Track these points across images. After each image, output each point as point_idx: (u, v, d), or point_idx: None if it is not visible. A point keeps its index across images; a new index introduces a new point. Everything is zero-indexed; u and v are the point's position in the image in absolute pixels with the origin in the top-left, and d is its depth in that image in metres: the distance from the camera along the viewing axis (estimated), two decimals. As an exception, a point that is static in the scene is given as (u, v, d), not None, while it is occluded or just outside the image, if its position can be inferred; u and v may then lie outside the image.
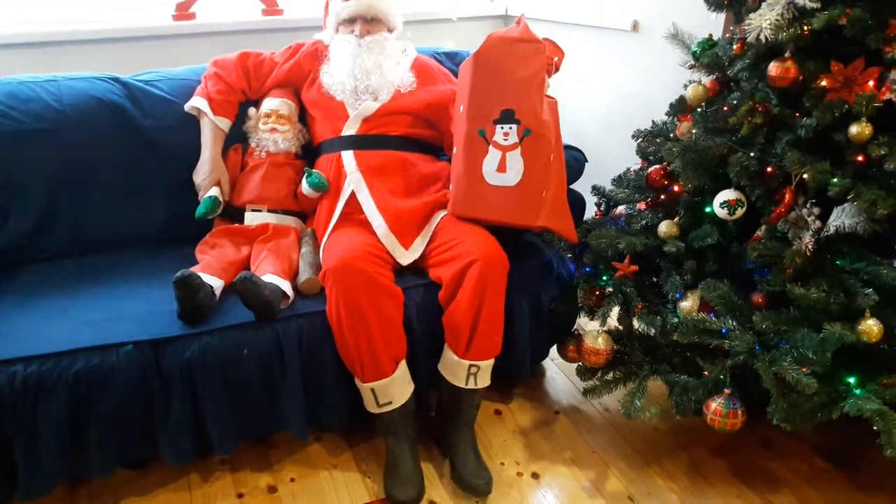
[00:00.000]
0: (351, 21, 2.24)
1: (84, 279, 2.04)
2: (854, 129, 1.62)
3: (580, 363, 2.13)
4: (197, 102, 2.23)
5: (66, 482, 1.90)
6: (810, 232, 1.71)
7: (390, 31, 2.28)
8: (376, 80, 2.19)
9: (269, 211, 2.19)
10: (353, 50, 2.20)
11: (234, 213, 2.21)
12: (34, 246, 2.15)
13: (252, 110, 2.28)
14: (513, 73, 1.96)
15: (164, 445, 1.84)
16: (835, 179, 1.65)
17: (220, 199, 2.16)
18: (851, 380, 1.69)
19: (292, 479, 2.00)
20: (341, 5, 2.22)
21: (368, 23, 2.23)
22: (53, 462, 1.74)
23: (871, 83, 1.62)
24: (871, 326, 1.64)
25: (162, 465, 1.99)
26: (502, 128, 1.96)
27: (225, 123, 2.25)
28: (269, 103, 2.26)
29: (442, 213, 2.09)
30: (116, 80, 2.26)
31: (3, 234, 2.12)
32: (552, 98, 2.04)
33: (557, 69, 2.10)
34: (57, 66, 2.35)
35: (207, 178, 2.17)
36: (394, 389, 1.92)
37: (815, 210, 1.71)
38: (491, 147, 1.97)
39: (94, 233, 2.20)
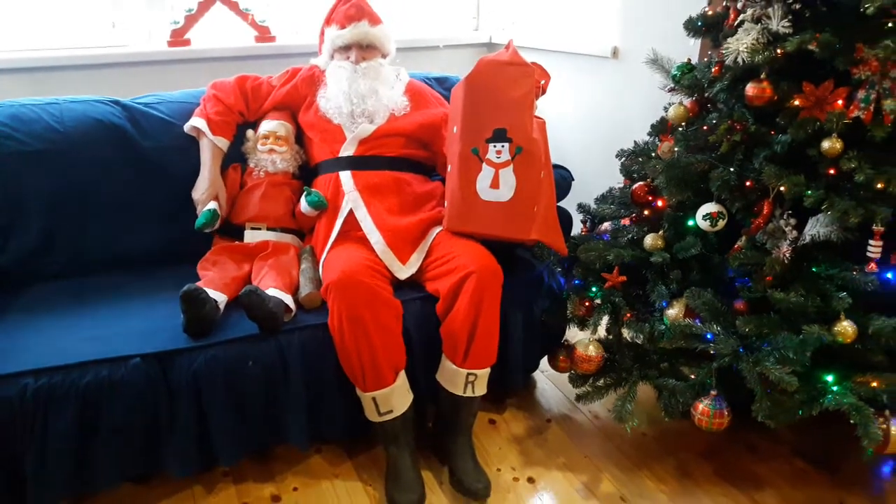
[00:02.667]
0: (346, 48, 2.33)
1: (87, 297, 2.08)
2: (826, 145, 1.75)
3: (572, 371, 2.21)
4: (196, 122, 2.30)
5: (72, 496, 1.91)
6: (788, 241, 1.82)
7: (384, 56, 2.38)
8: (372, 103, 2.28)
9: (268, 229, 2.26)
10: (348, 76, 2.29)
11: (233, 230, 2.27)
12: (36, 265, 2.19)
13: (250, 132, 2.35)
14: (504, 95, 2.05)
15: (170, 456, 1.87)
16: (809, 192, 1.77)
17: (219, 212, 2.22)
18: (829, 378, 1.79)
19: (295, 489, 2.04)
20: (336, 33, 2.32)
21: (363, 49, 2.32)
22: (62, 474, 1.76)
23: (840, 102, 1.75)
24: (846, 328, 1.75)
25: (165, 480, 2.02)
26: (495, 146, 2.05)
27: (223, 143, 2.31)
28: (267, 125, 2.33)
29: (437, 230, 2.17)
30: (117, 102, 2.33)
31: (6, 253, 2.16)
32: (541, 119, 2.14)
33: (544, 92, 2.21)
34: (55, 91, 2.40)
35: (205, 193, 2.23)
36: (394, 398, 1.98)
37: (792, 220, 1.83)
38: (484, 165, 2.06)
39: (96, 251, 2.24)
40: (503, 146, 2.04)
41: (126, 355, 1.80)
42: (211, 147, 2.29)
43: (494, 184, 2.05)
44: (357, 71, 2.30)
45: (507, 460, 2.17)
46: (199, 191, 2.25)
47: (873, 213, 1.71)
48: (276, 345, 1.93)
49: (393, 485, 1.98)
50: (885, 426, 1.75)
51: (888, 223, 1.73)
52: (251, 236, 2.24)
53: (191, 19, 2.79)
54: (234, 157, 2.36)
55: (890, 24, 1.73)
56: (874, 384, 1.78)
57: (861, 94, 1.72)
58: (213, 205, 2.21)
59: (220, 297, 1.98)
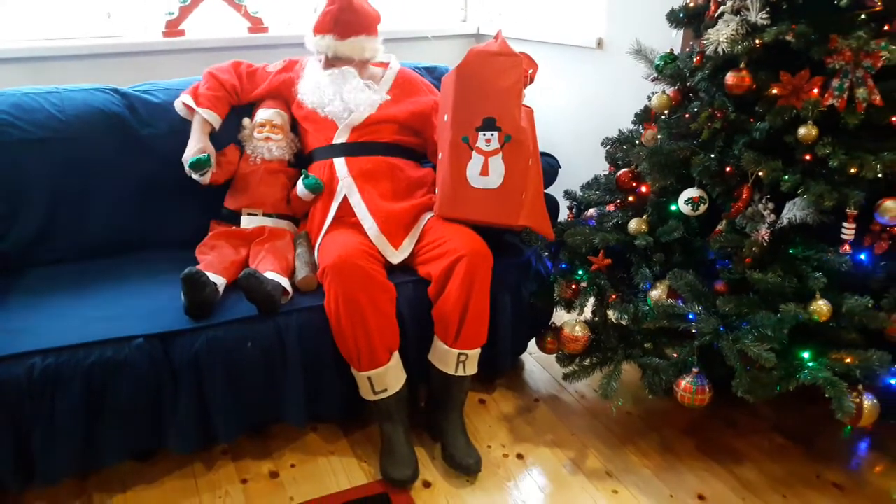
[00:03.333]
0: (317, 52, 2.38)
1: (89, 280, 2.14)
2: (802, 131, 1.83)
3: (560, 351, 2.29)
4: (183, 98, 2.36)
5: (78, 472, 1.97)
6: (766, 224, 1.91)
7: (362, 61, 2.39)
8: (337, 104, 2.33)
9: (264, 215, 2.32)
10: (317, 78, 2.36)
11: (230, 216, 2.33)
12: (38, 250, 2.25)
13: (246, 120, 2.40)
14: (493, 84, 2.11)
15: (172, 433, 1.94)
16: (786, 176, 1.85)
17: (212, 160, 2.24)
18: (806, 354, 1.87)
19: (292, 465, 2.11)
20: (312, 38, 2.35)
21: (329, 59, 2.35)
22: (68, 451, 1.83)
23: (815, 91, 1.82)
24: (821, 306, 1.83)
25: (166, 457, 2.09)
26: (484, 135, 2.11)
27: (210, 115, 2.35)
28: (263, 113, 2.39)
29: (429, 215, 2.24)
30: (116, 90, 2.38)
31: (8, 238, 2.21)
32: (529, 107, 2.21)
33: (532, 80, 2.27)
34: (53, 81, 2.44)
35: (194, 150, 2.26)
36: (389, 377, 2.05)
37: (770, 204, 1.91)
38: (474, 152, 2.12)
39: (96, 236, 2.31)
40: (492, 135, 2.11)
41: (129, 336, 1.87)
42: (199, 119, 2.33)
43: (484, 171, 2.12)
44: (324, 76, 2.35)
45: (497, 438, 2.24)
46: (189, 152, 2.27)
47: (847, 197, 1.79)
48: (274, 326, 2.00)
49: (387, 460, 2.05)
50: (858, 400, 1.84)
51: (861, 206, 1.81)
52: (248, 222, 2.30)
53: (185, 10, 2.84)
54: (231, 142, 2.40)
55: (863, 16, 1.81)
56: (848, 360, 1.85)
57: (835, 82, 1.80)
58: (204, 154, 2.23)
59: (220, 281, 2.04)
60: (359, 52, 2.35)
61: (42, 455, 1.81)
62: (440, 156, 2.21)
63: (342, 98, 2.33)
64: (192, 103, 2.34)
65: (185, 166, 2.24)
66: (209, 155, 2.23)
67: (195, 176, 2.22)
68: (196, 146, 2.27)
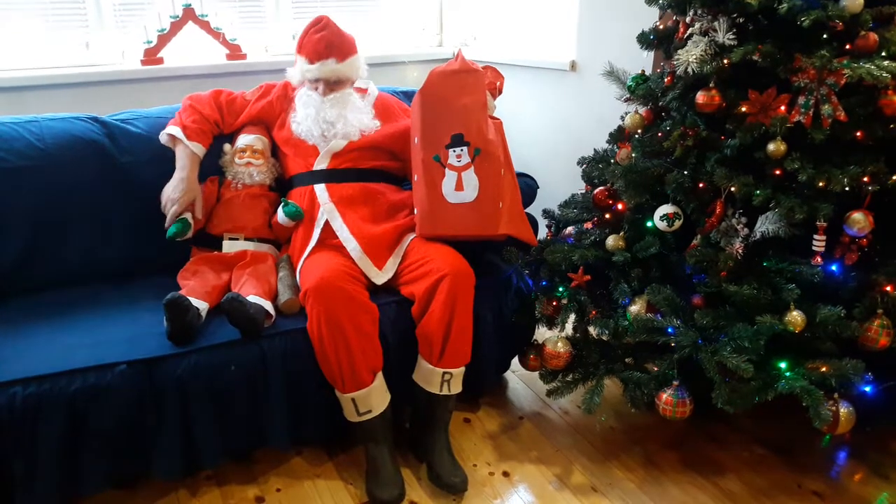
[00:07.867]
0: (315, 80, 2.40)
1: (70, 308, 2.13)
2: (771, 147, 1.89)
3: (543, 368, 2.31)
4: (171, 130, 2.35)
5: (60, 501, 1.94)
6: (740, 238, 1.96)
7: (355, 81, 2.46)
8: (341, 127, 2.36)
9: (245, 239, 2.33)
10: (316, 105, 2.37)
11: (211, 241, 2.34)
12: (17, 278, 2.23)
13: (227, 146, 2.42)
14: (456, 102, 2.16)
15: (155, 460, 1.92)
16: (758, 191, 1.90)
17: (191, 221, 2.28)
18: (782, 365, 1.91)
19: (278, 490, 2.10)
20: (306, 67, 2.38)
21: (331, 83, 2.39)
22: (50, 480, 1.81)
23: (782, 108, 1.89)
24: (795, 317, 1.87)
25: (149, 484, 2.07)
26: (454, 151, 2.15)
27: (199, 149, 2.36)
28: (244, 139, 2.41)
29: (412, 236, 2.26)
30: (95, 119, 2.39)
31: (-13, 268, 2.19)
32: (498, 119, 2.25)
33: (501, 91, 2.33)
34: (32, 110, 2.45)
35: (183, 196, 2.25)
36: (373, 398, 2.05)
37: (743, 219, 1.97)
38: (447, 169, 2.16)
39: (76, 264, 2.29)
40: (462, 150, 2.15)
41: (112, 362, 1.86)
42: (187, 153, 2.33)
43: (459, 186, 2.15)
44: (325, 102, 2.37)
45: (482, 456, 2.26)
46: (178, 191, 2.25)
47: (816, 210, 1.85)
48: (258, 350, 2.00)
49: (373, 482, 2.05)
50: (834, 408, 1.88)
51: (830, 219, 1.87)
52: (229, 246, 2.31)
53: (163, 38, 2.86)
54: (212, 170, 2.42)
55: (825, 36, 1.87)
56: (823, 369, 1.89)
57: (801, 100, 1.86)
58: (186, 215, 2.26)
59: (202, 305, 2.04)
60: (357, 72, 2.44)
61: (23, 485, 1.78)
62: (415, 177, 2.24)
63: (346, 119, 2.36)
64: (181, 136, 2.33)
65: (165, 213, 2.26)
66: (186, 219, 2.25)
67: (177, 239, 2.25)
68: (185, 193, 2.25)
